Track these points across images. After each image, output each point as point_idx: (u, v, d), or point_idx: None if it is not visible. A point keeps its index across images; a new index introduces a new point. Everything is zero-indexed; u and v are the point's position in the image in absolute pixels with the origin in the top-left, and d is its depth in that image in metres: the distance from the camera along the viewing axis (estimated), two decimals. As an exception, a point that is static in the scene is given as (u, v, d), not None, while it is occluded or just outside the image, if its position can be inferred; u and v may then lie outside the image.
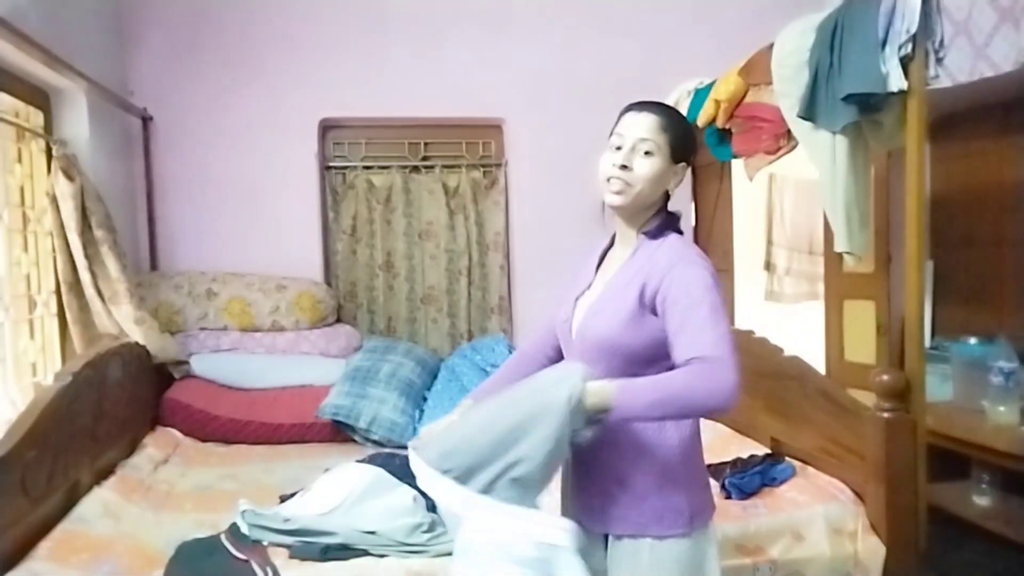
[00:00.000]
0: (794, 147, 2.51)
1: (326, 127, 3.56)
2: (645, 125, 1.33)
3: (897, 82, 1.90)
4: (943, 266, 3.47)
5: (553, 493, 1.67)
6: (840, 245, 2.20)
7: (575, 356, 1.39)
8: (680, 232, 1.40)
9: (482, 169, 3.68)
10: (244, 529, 1.85)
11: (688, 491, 1.32)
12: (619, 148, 1.34)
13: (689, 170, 1.45)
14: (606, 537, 1.37)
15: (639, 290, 1.29)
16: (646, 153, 1.32)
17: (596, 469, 1.35)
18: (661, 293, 1.27)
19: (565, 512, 1.47)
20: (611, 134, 1.37)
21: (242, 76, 3.38)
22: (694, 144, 1.42)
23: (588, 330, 1.36)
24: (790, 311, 4.65)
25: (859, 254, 2.20)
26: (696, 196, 3.72)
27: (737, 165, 3.23)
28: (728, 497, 2.09)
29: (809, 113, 2.15)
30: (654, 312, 1.29)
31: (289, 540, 1.82)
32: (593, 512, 1.37)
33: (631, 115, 1.36)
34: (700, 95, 2.97)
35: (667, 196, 1.40)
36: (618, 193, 1.34)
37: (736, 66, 2.70)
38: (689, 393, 1.18)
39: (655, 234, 1.36)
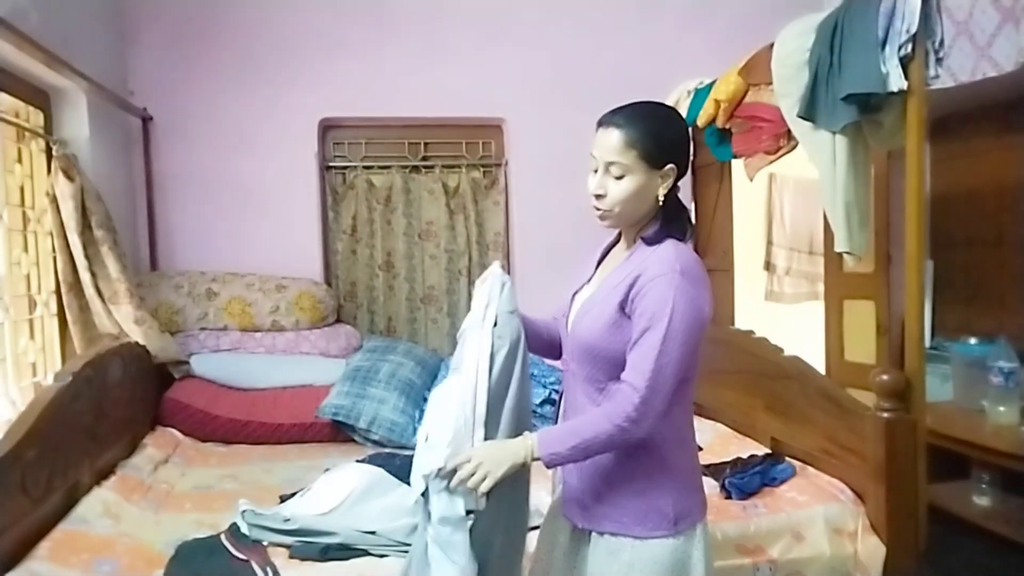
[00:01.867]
0: (794, 147, 2.51)
1: (326, 127, 3.56)
2: (611, 145, 1.29)
3: (897, 82, 1.90)
4: (943, 266, 3.47)
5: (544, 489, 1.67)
6: (840, 245, 2.20)
7: (568, 352, 1.41)
8: (682, 236, 1.34)
9: (482, 169, 3.68)
10: (244, 529, 1.85)
11: (673, 493, 1.31)
12: (596, 170, 1.33)
13: (689, 170, 1.42)
14: (589, 533, 1.37)
15: (623, 297, 1.28)
16: (617, 177, 1.30)
17: (585, 467, 1.36)
18: (635, 303, 1.27)
19: (555, 506, 1.48)
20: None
21: (242, 76, 3.38)
22: (677, 144, 1.34)
23: (576, 330, 1.36)
24: (790, 311, 4.64)
25: (859, 254, 2.20)
26: (696, 196, 3.72)
27: (737, 165, 3.23)
28: (728, 497, 2.09)
29: (809, 113, 2.15)
30: (631, 318, 1.29)
31: (289, 540, 1.82)
32: (579, 507, 1.37)
33: (600, 132, 1.32)
34: (700, 95, 2.97)
35: (667, 199, 1.34)
36: (601, 218, 1.36)
37: (736, 66, 2.70)
38: (601, 437, 1.25)
39: (652, 240, 1.33)
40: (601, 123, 1.34)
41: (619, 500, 1.32)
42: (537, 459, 1.28)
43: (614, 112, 1.33)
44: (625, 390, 1.24)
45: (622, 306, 1.28)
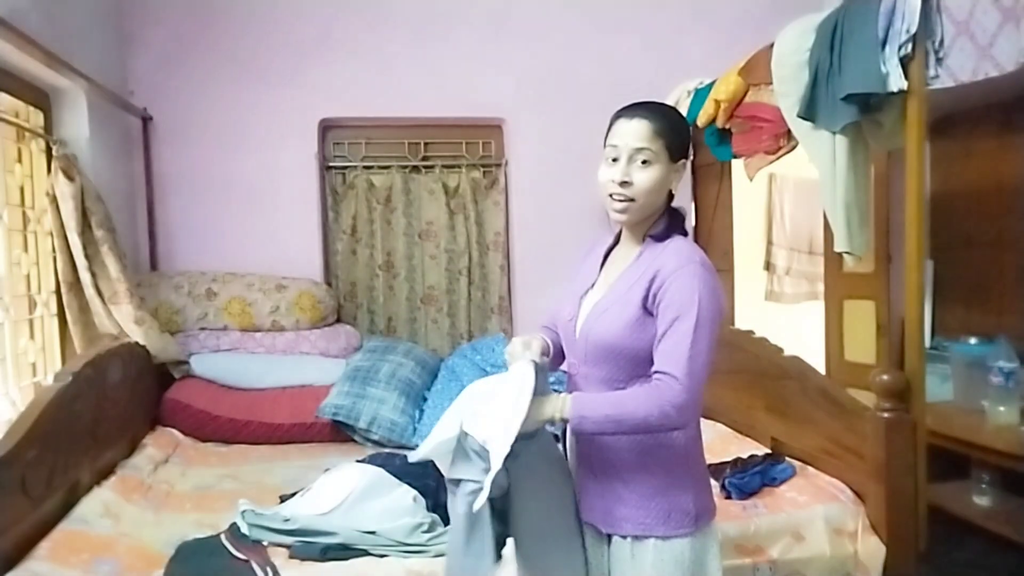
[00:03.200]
0: (794, 147, 2.51)
1: (326, 127, 3.56)
2: (639, 133, 1.30)
3: (897, 82, 1.90)
4: (943, 266, 3.47)
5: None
6: (840, 245, 2.20)
7: (579, 355, 1.39)
8: (685, 233, 1.38)
9: (482, 169, 3.68)
10: (244, 529, 1.85)
11: (694, 491, 1.33)
12: (615, 160, 1.31)
13: (689, 169, 1.44)
14: (609, 537, 1.37)
15: (643, 293, 1.29)
16: (644, 163, 1.29)
17: (602, 470, 1.35)
18: (658, 297, 1.27)
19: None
20: (605, 143, 1.35)
21: (242, 76, 3.38)
22: (690, 137, 1.40)
23: (592, 332, 1.35)
24: (790, 311, 4.65)
25: (859, 254, 2.20)
26: (696, 196, 3.72)
27: (737, 165, 3.23)
28: (728, 497, 2.09)
29: (809, 113, 2.15)
30: (653, 314, 1.29)
31: (289, 540, 1.82)
32: (598, 512, 1.37)
33: (622, 122, 1.32)
34: (700, 95, 2.97)
35: (671, 195, 1.39)
36: (622, 211, 1.33)
37: (736, 66, 2.70)
38: (639, 414, 1.23)
39: (661, 236, 1.35)
40: (623, 115, 1.34)
41: (641, 501, 1.32)
42: (565, 421, 1.26)
43: (636, 105, 1.35)
44: (665, 380, 1.22)
45: (644, 303, 1.29)
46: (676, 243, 1.33)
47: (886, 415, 1.90)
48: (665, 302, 1.26)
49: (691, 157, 1.38)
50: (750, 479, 2.13)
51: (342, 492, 1.99)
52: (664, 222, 1.36)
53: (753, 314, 4.11)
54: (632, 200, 1.31)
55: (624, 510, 1.32)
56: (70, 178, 2.55)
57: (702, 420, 2.99)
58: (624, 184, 1.30)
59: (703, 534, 1.34)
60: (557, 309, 1.51)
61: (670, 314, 1.24)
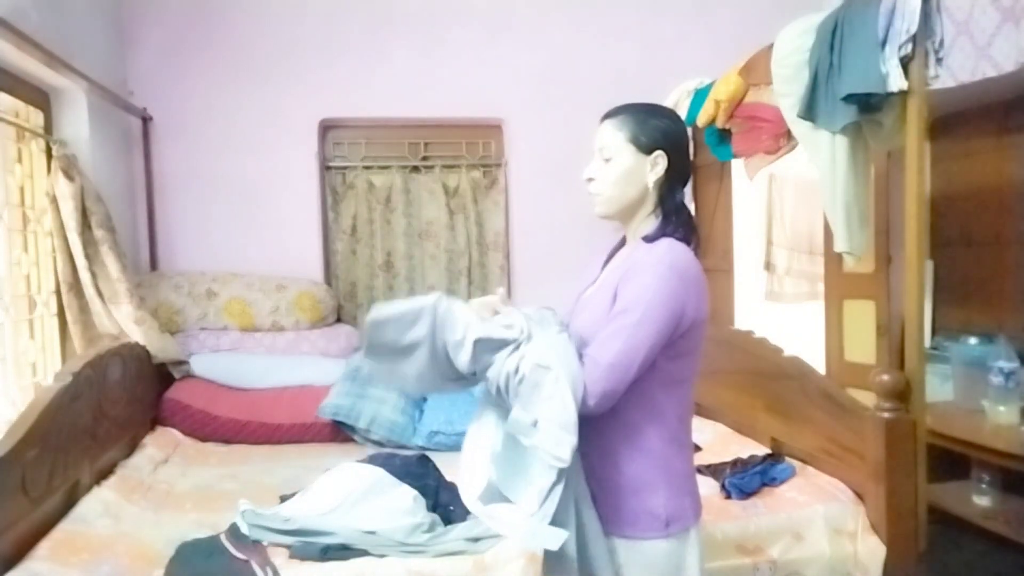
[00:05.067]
0: (794, 147, 2.51)
1: (326, 127, 3.56)
2: (601, 134, 1.38)
3: (897, 82, 1.90)
4: (943, 266, 3.47)
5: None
6: (840, 245, 2.20)
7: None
8: (681, 238, 1.33)
9: (482, 169, 3.68)
10: (244, 529, 1.85)
11: (666, 495, 1.31)
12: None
13: (690, 173, 1.43)
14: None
15: (613, 289, 1.30)
16: (605, 160, 1.37)
17: (575, 469, 1.35)
18: (619, 290, 1.29)
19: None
20: None
21: (242, 76, 3.39)
22: (665, 133, 1.35)
23: (574, 325, 1.37)
24: (790, 311, 4.64)
25: (859, 254, 2.20)
26: (696, 196, 3.72)
27: (737, 165, 3.23)
28: (728, 497, 2.09)
29: (809, 113, 2.15)
30: None
31: (289, 540, 1.82)
32: (570, 508, 1.36)
33: (599, 127, 1.41)
34: (700, 95, 2.97)
35: (669, 201, 1.37)
36: (594, 205, 1.41)
37: (736, 66, 2.70)
38: None
39: (651, 238, 1.34)
40: (601, 120, 1.41)
41: (612, 501, 1.31)
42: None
43: (609, 110, 1.41)
44: (588, 363, 1.22)
45: (613, 298, 1.30)
46: (661, 244, 1.32)
47: (886, 415, 1.91)
48: (621, 295, 1.28)
49: (674, 151, 1.35)
50: (750, 479, 2.13)
51: (342, 492, 1.99)
52: (656, 224, 1.36)
53: (753, 314, 4.10)
54: (598, 194, 1.39)
55: (596, 509, 1.32)
56: (70, 178, 2.55)
57: (702, 420, 3.00)
58: (589, 180, 1.39)
59: (679, 541, 1.31)
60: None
61: (619, 306, 1.26)
